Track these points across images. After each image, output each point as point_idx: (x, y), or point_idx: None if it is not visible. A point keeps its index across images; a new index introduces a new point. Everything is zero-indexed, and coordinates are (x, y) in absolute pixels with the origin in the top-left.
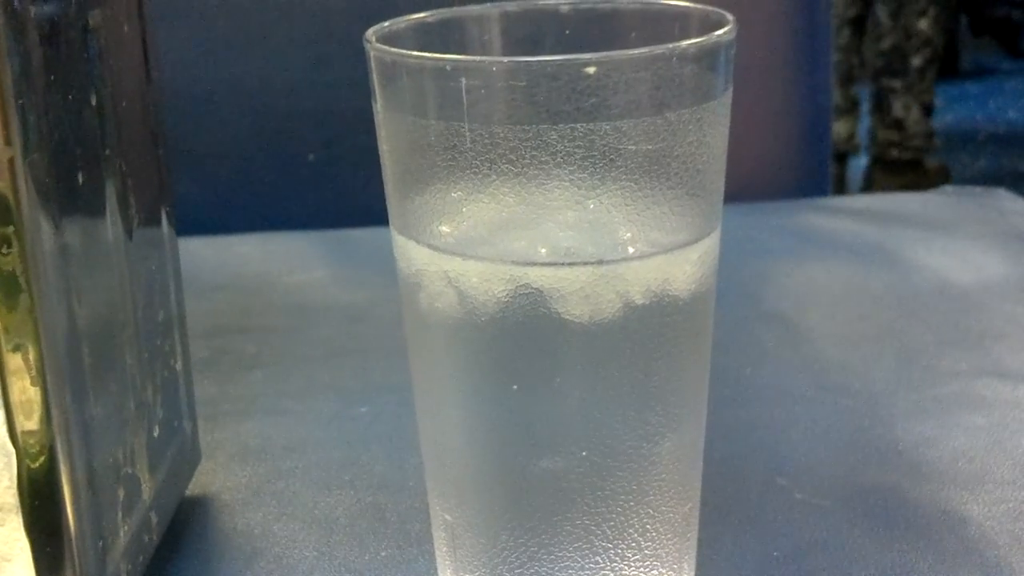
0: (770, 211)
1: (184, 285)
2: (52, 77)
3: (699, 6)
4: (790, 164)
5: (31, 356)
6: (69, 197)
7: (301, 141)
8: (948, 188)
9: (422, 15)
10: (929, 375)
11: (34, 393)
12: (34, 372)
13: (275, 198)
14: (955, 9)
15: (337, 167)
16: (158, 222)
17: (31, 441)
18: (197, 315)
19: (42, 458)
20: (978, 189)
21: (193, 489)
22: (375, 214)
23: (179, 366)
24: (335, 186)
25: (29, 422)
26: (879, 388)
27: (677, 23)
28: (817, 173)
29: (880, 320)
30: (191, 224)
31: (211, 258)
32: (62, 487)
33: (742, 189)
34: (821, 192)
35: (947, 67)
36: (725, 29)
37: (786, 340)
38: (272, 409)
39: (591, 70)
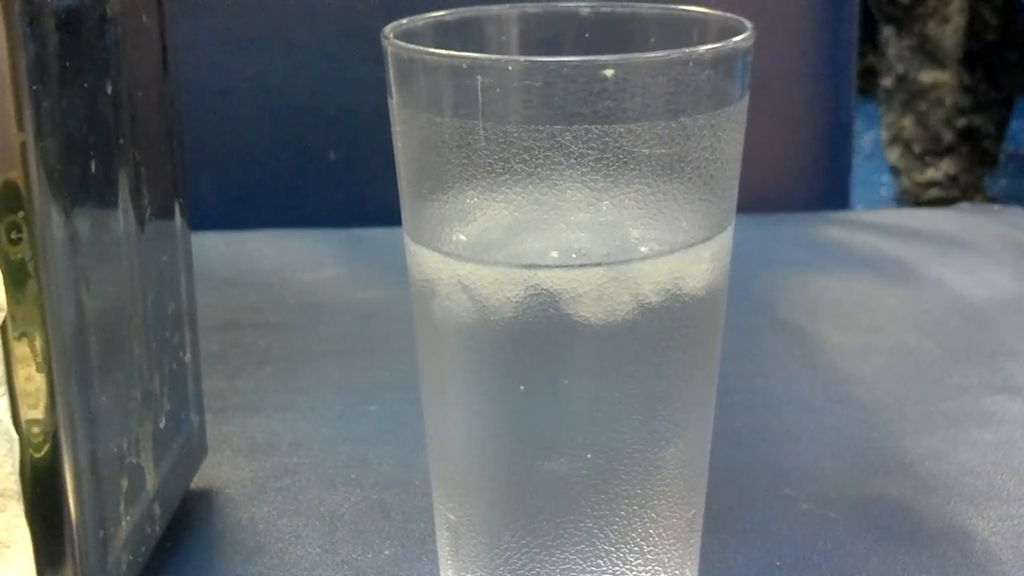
0: (788, 222)
1: (198, 279)
2: (67, 64)
3: (718, 13)
4: (812, 176)
5: (37, 344)
6: (80, 185)
7: (322, 139)
8: (965, 205)
9: (441, 13)
10: (938, 389)
11: (39, 381)
12: (40, 360)
13: (296, 196)
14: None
15: (358, 166)
16: (171, 214)
17: (35, 428)
18: (210, 309)
19: (45, 445)
20: (995, 207)
21: (199, 482)
22: (395, 214)
23: (188, 359)
24: (355, 185)
25: (33, 410)
26: (888, 401)
27: (696, 29)
28: (838, 185)
29: (892, 334)
30: (211, 220)
31: (226, 253)
32: (64, 475)
33: (763, 200)
34: (842, 204)
35: None
36: (743, 36)
37: (798, 351)
38: (281, 405)
39: (607, 72)
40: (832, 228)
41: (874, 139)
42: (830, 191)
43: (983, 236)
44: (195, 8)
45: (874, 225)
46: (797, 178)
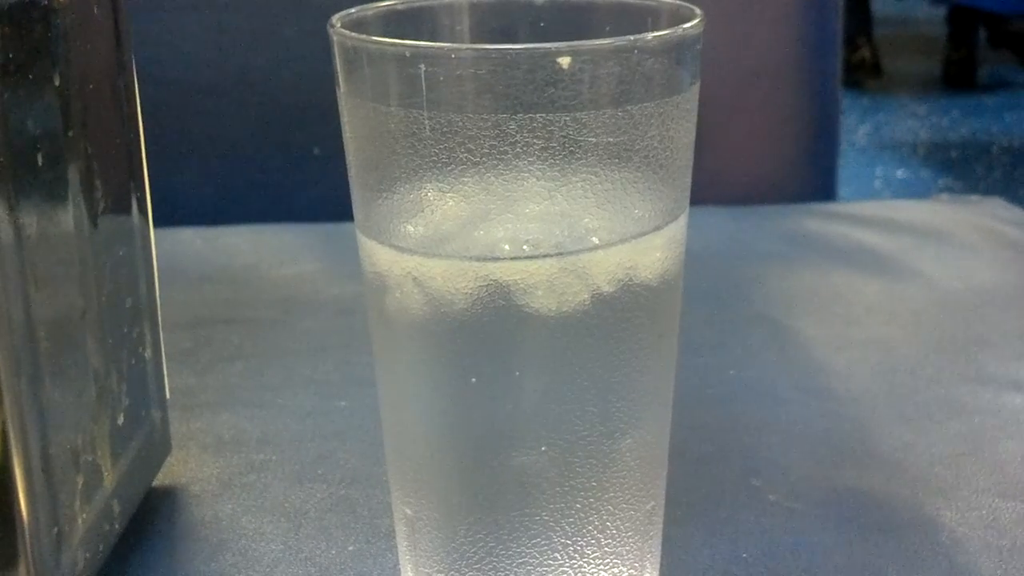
0: (767, 215)
1: (172, 275)
2: (10, 56)
3: (671, 1)
4: (798, 169)
5: None
6: (26, 179)
7: (307, 134)
8: (944, 196)
9: (392, 2)
10: (911, 381)
11: None
12: None
13: (281, 191)
14: (974, 21)
15: (342, 161)
16: (127, 208)
17: None
18: (182, 305)
19: None
20: (974, 197)
21: (162, 479)
22: None
23: (148, 354)
24: (340, 180)
25: None
26: (860, 392)
27: (649, 17)
28: (825, 178)
29: (868, 325)
30: (195, 215)
31: (202, 249)
32: (14, 473)
33: (750, 193)
34: (829, 196)
35: (964, 79)
36: (691, 23)
37: (773, 343)
38: (250, 401)
39: (550, 60)
40: (811, 220)
41: (868, 132)
42: (817, 184)
43: (962, 227)
44: (179, 3)
45: (853, 217)
46: (783, 171)
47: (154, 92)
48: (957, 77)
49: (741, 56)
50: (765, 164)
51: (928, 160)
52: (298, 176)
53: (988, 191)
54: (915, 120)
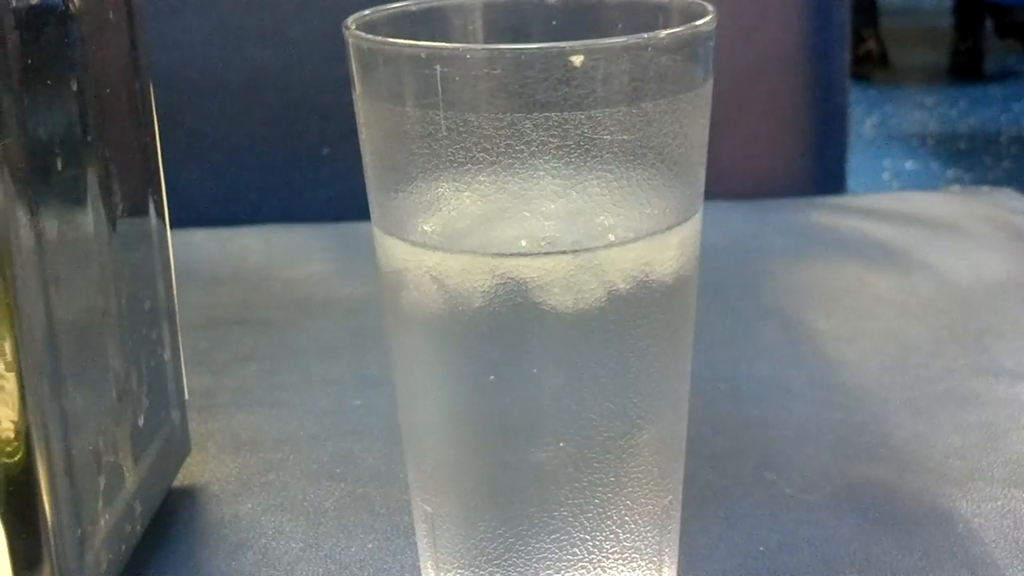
0: (776, 208)
1: (185, 277)
2: (29, 62)
3: None
4: (807, 161)
5: (7, 344)
6: (47, 184)
7: (317, 134)
8: (956, 187)
9: (405, 4)
10: (924, 372)
11: (10, 381)
12: (9, 359)
13: (290, 191)
14: (980, 12)
15: (352, 161)
16: (145, 211)
17: (7, 428)
18: (196, 307)
19: (18, 445)
20: (985, 188)
21: (182, 480)
22: None
23: (167, 356)
24: (350, 180)
25: (5, 409)
26: (874, 385)
27: (661, 15)
28: (834, 170)
29: (879, 318)
30: (204, 216)
31: (214, 250)
32: (38, 474)
33: (758, 186)
34: (838, 189)
35: (971, 70)
36: (704, 20)
37: (784, 336)
38: (266, 401)
39: (564, 59)
40: (820, 213)
41: (876, 125)
42: (826, 177)
43: (972, 219)
44: (191, 2)
45: (862, 209)
46: (792, 164)
47: (166, 94)
48: (964, 68)
49: (748, 50)
50: (774, 158)
51: (937, 151)
52: (309, 176)
53: (997, 181)
54: (923, 111)
